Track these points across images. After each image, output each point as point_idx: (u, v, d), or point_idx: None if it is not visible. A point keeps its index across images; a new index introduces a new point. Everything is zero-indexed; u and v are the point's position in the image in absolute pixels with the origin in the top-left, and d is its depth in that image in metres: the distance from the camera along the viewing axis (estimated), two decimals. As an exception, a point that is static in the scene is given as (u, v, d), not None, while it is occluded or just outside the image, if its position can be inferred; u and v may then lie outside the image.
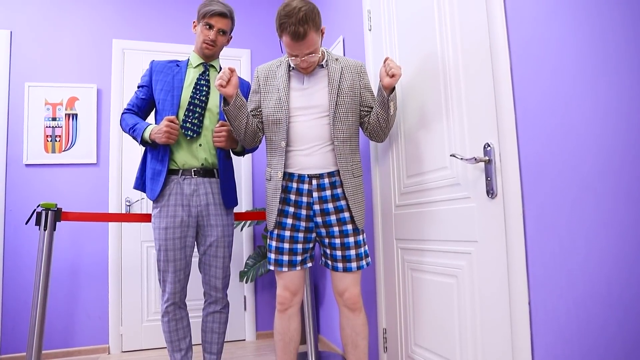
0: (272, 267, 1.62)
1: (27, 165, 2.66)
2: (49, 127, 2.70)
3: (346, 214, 1.57)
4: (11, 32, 2.72)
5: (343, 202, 1.57)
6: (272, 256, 1.62)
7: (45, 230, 1.90)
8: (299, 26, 1.42)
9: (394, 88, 1.55)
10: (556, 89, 1.04)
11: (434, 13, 1.55)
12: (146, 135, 1.79)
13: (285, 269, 1.60)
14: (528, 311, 1.11)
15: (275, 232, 1.62)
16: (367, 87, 1.67)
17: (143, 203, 2.84)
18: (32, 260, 2.61)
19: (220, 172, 1.88)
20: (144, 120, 1.90)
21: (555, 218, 1.04)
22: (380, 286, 1.95)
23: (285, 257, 1.60)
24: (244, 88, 1.97)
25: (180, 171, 1.83)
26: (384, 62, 1.51)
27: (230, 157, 1.96)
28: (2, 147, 2.62)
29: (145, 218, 2.14)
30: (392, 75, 1.48)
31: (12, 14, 2.74)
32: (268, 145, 1.67)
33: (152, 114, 1.98)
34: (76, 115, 2.76)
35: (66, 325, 2.63)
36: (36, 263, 1.90)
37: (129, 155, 2.83)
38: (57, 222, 1.95)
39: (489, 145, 1.26)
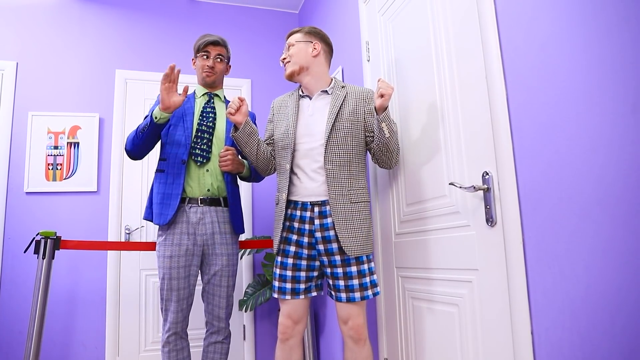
0: (275, 295, 1.61)
1: (27, 193, 2.67)
2: (51, 155, 2.73)
3: None
4: (17, 63, 2.78)
5: None
6: (276, 284, 1.61)
7: (43, 258, 1.89)
8: (294, 29, 1.75)
9: (386, 108, 1.54)
10: (553, 118, 1.06)
11: (430, 44, 1.60)
12: (156, 112, 1.74)
13: (288, 297, 1.58)
14: (531, 341, 1.10)
15: (279, 259, 1.62)
16: (373, 113, 1.67)
17: (143, 231, 2.83)
18: (28, 289, 2.58)
19: (228, 198, 1.89)
20: (150, 148, 1.91)
21: (555, 246, 1.04)
22: (381, 315, 1.92)
23: (289, 285, 1.58)
24: (249, 118, 2.03)
25: (187, 199, 1.84)
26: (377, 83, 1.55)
27: (238, 185, 1.99)
28: (4, 175, 2.64)
29: (145, 246, 2.13)
30: (382, 95, 1.49)
31: (19, 46, 2.81)
32: (277, 170, 1.71)
33: (158, 145, 1.99)
34: (78, 143, 2.78)
35: (61, 356, 2.58)
36: (33, 292, 1.88)
37: (129, 183, 2.85)
38: (56, 251, 1.94)
39: (487, 174, 1.27)
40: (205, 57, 1.94)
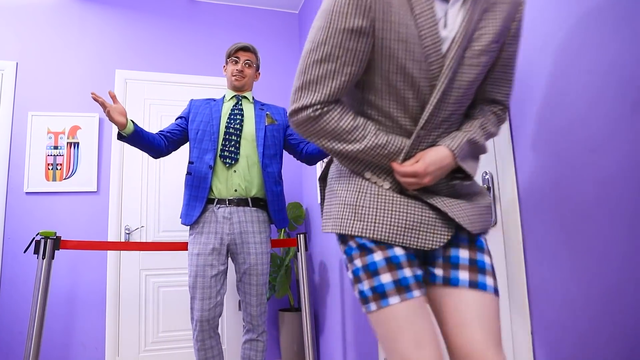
0: (391, 300, 0.79)
1: (27, 193, 2.66)
2: (51, 155, 2.72)
3: None
4: (17, 63, 2.78)
5: None
6: (384, 278, 0.80)
7: (43, 259, 1.89)
8: None
9: None
10: (553, 117, 1.06)
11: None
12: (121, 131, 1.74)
13: (417, 293, 0.80)
14: (531, 341, 1.10)
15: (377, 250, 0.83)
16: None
17: (142, 231, 2.83)
18: (28, 289, 2.57)
19: (267, 196, 1.94)
20: (151, 149, 1.90)
21: (555, 246, 1.04)
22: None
23: (408, 273, 0.81)
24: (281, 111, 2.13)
25: (215, 200, 1.90)
26: None
27: (280, 183, 2.01)
28: (4, 175, 2.63)
29: (145, 247, 2.13)
30: None
31: (19, 45, 2.81)
32: None
33: (187, 145, 2.06)
34: (78, 143, 2.78)
35: (61, 356, 2.58)
36: (33, 293, 1.88)
37: (129, 183, 2.84)
38: (56, 251, 1.94)
39: (487, 173, 1.27)
40: (235, 62, 2.02)
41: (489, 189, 1.26)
